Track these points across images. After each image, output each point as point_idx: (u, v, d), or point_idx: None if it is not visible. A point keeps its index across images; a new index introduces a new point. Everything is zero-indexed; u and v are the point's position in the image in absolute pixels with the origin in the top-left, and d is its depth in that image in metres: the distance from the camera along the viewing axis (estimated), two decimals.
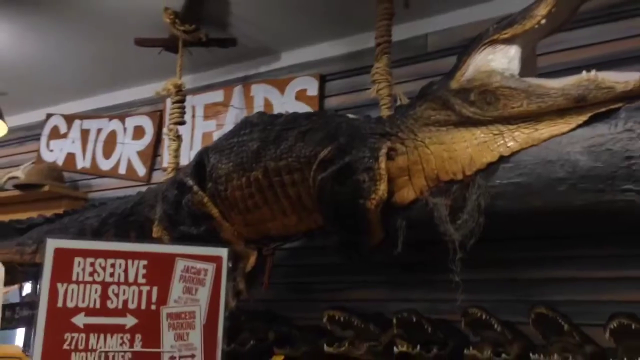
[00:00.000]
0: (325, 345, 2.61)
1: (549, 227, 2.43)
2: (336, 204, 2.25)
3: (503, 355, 2.29)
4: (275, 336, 2.87)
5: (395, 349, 2.44)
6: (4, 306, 3.65)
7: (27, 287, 4.08)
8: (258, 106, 3.62)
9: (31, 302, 3.61)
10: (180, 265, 1.51)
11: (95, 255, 1.45)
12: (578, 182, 1.92)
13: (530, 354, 2.20)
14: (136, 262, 1.46)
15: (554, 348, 2.26)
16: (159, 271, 1.50)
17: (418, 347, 2.40)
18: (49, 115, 4.73)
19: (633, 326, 2.02)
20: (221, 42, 3.40)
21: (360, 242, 2.32)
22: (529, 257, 2.63)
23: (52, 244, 1.41)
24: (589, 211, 1.98)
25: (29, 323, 3.58)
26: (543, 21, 1.97)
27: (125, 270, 1.47)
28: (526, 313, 2.30)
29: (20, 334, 4.25)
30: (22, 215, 3.87)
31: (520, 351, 2.32)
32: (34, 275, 3.68)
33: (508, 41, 2.04)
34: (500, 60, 2.04)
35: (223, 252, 1.58)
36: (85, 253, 1.44)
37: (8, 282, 3.47)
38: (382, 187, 2.16)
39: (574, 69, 2.57)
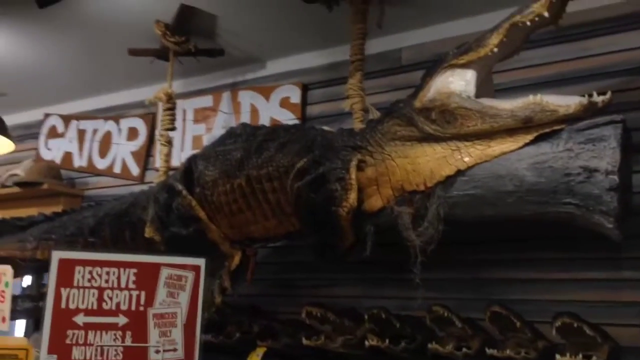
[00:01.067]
0: (303, 339, 2.84)
1: (502, 233, 2.65)
2: (311, 210, 2.46)
3: (463, 349, 2.52)
4: (259, 329, 3.09)
5: (366, 342, 2.67)
6: None
7: (27, 280, 4.29)
8: (245, 112, 3.81)
9: (32, 295, 3.83)
10: (164, 273, 1.75)
11: (93, 264, 1.69)
12: (525, 195, 2.13)
13: (486, 349, 2.43)
14: (127, 270, 1.71)
15: (509, 343, 2.49)
16: (147, 278, 1.74)
17: (387, 341, 2.62)
18: (46, 115, 4.90)
19: (575, 324, 2.24)
20: (209, 52, 3.58)
21: (333, 244, 2.53)
22: (490, 259, 2.84)
23: (57, 255, 1.66)
24: (536, 220, 2.20)
25: (30, 315, 3.79)
26: (495, 49, 2.18)
27: (118, 277, 1.72)
28: None
29: (20, 325, 4.44)
30: (21, 212, 4.07)
31: (480, 346, 2.54)
32: (35, 269, 3.89)
33: (465, 66, 2.24)
34: (458, 83, 2.24)
35: (201, 262, 1.82)
36: (84, 262, 1.69)
37: None
38: (352, 196, 2.37)
39: (531, 86, 2.82)
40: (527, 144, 2.14)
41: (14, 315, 3.61)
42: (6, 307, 2.03)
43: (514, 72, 2.85)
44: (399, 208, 2.34)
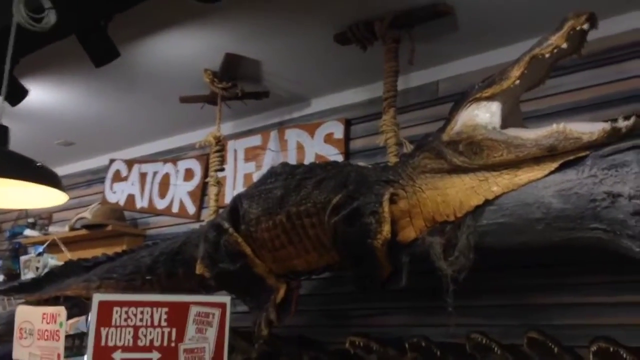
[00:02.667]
0: None
1: (542, 259, 2.66)
2: (348, 244, 2.55)
3: None
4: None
5: None
6: (75, 335, 4.12)
7: None
8: (291, 149, 3.97)
9: None
10: (193, 310, 1.89)
11: (129, 305, 1.86)
12: (552, 222, 2.15)
13: None
14: (159, 309, 1.86)
15: None
16: (177, 316, 1.89)
17: None
18: (111, 161, 5.22)
19: (611, 349, 2.23)
20: (255, 95, 3.78)
21: (372, 275, 2.60)
22: (532, 284, 2.86)
23: (97, 298, 1.84)
24: (566, 246, 2.22)
25: None
26: (517, 82, 2.24)
27: (151, 316, 1.87)
28: None
29: None
30: (89, 252, 4.33)
31: None
32: None
33: (489, 98, 2.30)
34: (483, 115, 2.30)
35: (227, 300, 1.94)
36: (121, 304, 1.86)
37: (77, 314, 3.94)
38: (386, 228, 2.45)
39: (569, 111, 2.84)
40: (552, 172, 2.17)
41: (82, 351, 3.86)
42: (60, 345, 2.22)
43: (551, 98, 2.89)
44: (430, 238, 2.40)
